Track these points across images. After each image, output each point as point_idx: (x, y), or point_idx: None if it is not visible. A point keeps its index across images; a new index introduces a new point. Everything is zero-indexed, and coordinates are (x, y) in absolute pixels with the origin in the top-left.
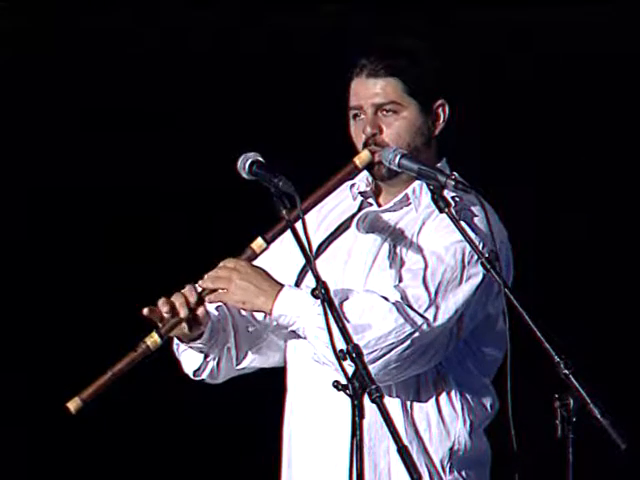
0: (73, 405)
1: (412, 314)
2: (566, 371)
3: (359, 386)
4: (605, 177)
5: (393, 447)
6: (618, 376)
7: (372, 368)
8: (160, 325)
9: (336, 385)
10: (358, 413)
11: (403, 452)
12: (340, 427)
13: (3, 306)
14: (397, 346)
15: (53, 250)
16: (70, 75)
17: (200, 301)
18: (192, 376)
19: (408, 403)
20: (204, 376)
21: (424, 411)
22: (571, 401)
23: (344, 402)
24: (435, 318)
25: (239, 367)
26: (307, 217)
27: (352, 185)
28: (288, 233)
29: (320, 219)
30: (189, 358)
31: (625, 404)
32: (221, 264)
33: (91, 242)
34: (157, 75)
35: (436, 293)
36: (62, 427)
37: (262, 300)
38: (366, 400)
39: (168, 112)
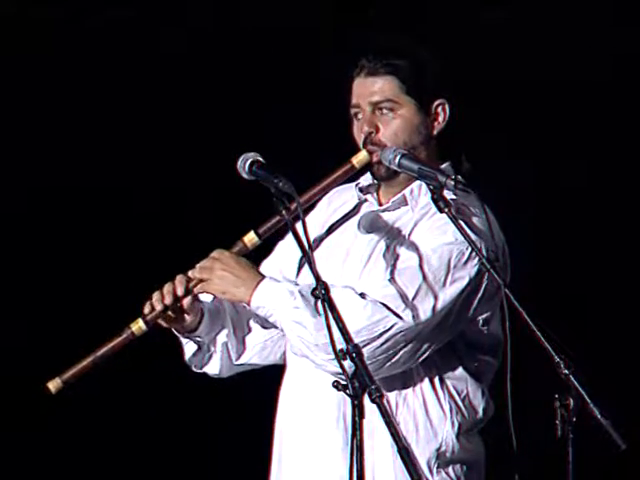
0: (53, 385)
1: (385, 313)
2: (566, 371)
3: (359, 386)
4: (606, 177)
5: (379, 445)
6: (618, 376)
7: (344, 363)
8: (147, 312)
9: (336, 385)
10: (358, 413)
11: (403, 453)
12: (329, 424)
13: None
14: (369, 344)
15: (51, 245)
16: (69, 74)
17: (187, 291)
18: (193, 368)
19: (395, 403)
20: (205, 369)
21: (411, 411)
22: (571, 401)
23: (334, 400)
24: (412, 318)
25: (238, 362)
26: (316, 212)
27: (358, 184)
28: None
29: (326, 217)
30: (190, 350)
31: (625, 404)
32: (211, 255)
33: (89, 239)
34: (157, 74)
35: (416, 293)
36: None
37: (242, 291)
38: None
39: (168, 111)
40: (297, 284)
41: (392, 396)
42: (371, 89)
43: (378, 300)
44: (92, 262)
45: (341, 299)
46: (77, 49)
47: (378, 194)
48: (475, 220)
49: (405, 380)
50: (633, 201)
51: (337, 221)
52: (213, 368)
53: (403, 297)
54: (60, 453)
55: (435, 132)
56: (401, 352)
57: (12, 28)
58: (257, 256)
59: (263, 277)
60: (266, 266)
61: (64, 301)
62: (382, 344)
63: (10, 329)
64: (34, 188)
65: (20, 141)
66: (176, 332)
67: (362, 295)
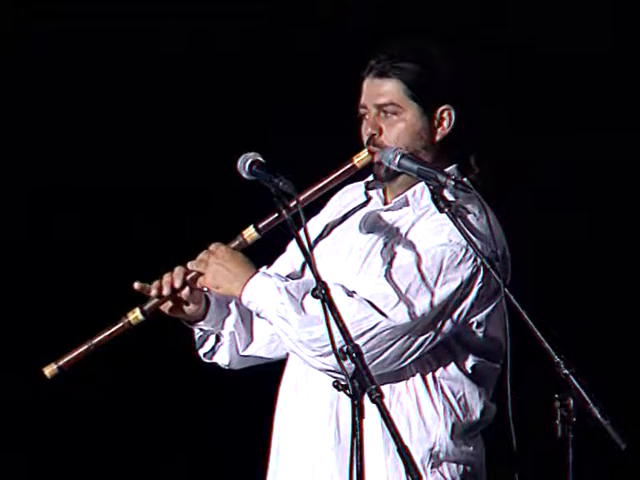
0: (49, 370)
1: (370, 311)
2: (566, 371)
3: (359, 386)
4: (605, 176)
5: (371, 444)
6: (618, 376)
7: (329, 360)
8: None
9: (336, 385)
10: (358, 413)
11: (403, 452)
12: (321, 422)
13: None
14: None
15: (51, 244)
16: (69, 74)
17: (184, 283)
18: (203, 358)
19: (388, 401)
20: (215, 359)
21: (405, 410)
22: (571, 401)
23: (327, 398)
24: (399, 318)
25: (245, 353)
26: (327, 207)
27: (367, 182)
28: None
29: (336, 212)
30: (199, 340)
31: (625, 404)
32: (208, 248)
33: (89, 239)
34: (157, 74)
35: (405, 293)
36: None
37: (235, 285)
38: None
39: (168, 111)
40: (287, 280)
41: (385, 394)
42: (377, 91)
43: (365, 298)
44: (93, 261)
45: None
46: (77, 49)
47: (385, 193)
48: (474, 221)
49: (398, 379)
50: (634, 199)
51: (344, 217)
52: (223, 358)
53: (392, 296)
54: (56, 442)
55: (438, 137)
56: (388, 351)
57: (12, 28)
58: (258, 251)
59: (256, 272)
60: (280, 261)
61: (64, 295)
62: (366, 342)
63: (11, 323)
64: (34, 188)
65: (20, 141)
66: (185, 323)
67: (351, 293)
